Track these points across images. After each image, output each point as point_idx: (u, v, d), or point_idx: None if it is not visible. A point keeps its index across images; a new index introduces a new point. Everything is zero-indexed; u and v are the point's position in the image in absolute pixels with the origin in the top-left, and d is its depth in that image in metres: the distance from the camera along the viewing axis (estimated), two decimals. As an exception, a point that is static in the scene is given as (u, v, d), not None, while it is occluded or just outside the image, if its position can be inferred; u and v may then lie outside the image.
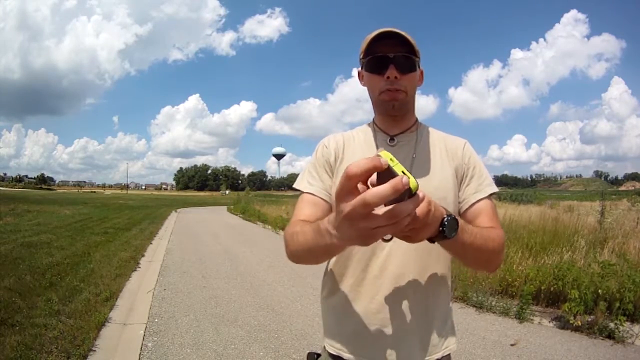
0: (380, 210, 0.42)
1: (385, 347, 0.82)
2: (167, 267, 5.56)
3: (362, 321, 0.83)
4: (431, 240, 0.61)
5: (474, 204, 0.86)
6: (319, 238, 0.60)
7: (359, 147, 0.91)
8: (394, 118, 0.89)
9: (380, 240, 0.53)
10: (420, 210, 0.50)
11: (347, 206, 0.44)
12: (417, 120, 0.93)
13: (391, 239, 0.61)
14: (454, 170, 0.87)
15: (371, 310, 0.83)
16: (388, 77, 0.81)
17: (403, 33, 0.79)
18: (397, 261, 0.82)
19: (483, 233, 0.73)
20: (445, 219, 0.58)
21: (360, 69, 0.89)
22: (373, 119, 0.94)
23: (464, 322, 3.45)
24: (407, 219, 0.43)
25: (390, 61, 0.80)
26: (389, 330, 0.82)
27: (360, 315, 0.84)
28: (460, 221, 0.63)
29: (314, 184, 0.88)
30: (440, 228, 0.58)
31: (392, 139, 0.89)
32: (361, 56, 0.85)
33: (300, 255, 0.75)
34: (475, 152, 0.92)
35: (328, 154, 0.91)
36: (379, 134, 0.90)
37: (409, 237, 0.55)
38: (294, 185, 0.93)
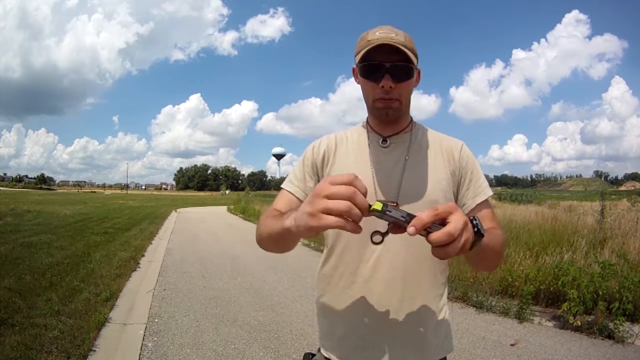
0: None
1: (374, 352, 0.81)
2: (167, 267, 5.56)
3: (352, 325, 0.83)
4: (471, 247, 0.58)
5: (474, 208, 0.85)
6: (281, 221, 0.66)
7: (352, 148, 0.90)
8: (387, 122, 0.88)
9: (370, 242, 0.60)
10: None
11: (320, 182, 0.57)
12: (412, 120, 0.91)
13: (381, 241, 0.59)
14: (449, 173, 0.86)
15: (361, 314, 0.82)
16: (383, 87, 0.79)
17: (399, 44, 0.75)
18: (387, 265, 0.81)
19: (493, 234, 0.75)
20: (473, 219, 0.58)
21: (355, 66, 0.86)
22: (367, 119, 0.93)
23: (464, 322, 3.45)
24: (349, 219, 0.53)
25: (386, 70, 0.77)
26: (378, 335, 0.81)
27: (350, 319, 0.83)
28: None
29: (296, 184, 0.91)
30: (475, 229, 0.57)
31: (384, 140, 0.87)
32: (356, 59, 0.81)
33: (263, 238, 0.79)
34: (472, 154, 0.89)
35: (317, 155, 0.91)
36: (372, 135, 0.89)
37: (455, 249, 0.53)
38: (281, 185, 0.95)
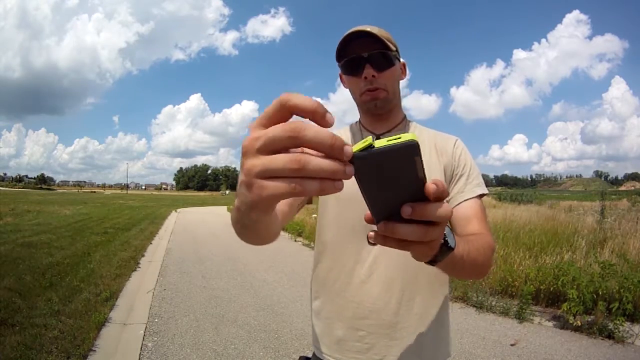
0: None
1: (372, 355, 0.79)
2: (167, 267, 5.55)
3: (349, 327, 0.81)
4: (433, 260, 0.47)
5: (459, 204, 0.79)
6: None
7: None
8: (379, 117, 0.87)
9: (367, 242, 0.50)
10: None
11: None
12: (404, 117, 0.90)
13: None
14: (442, 169, 0.83)
15: (358, 315, 0.80)
16: (366, 78, 0.79)
17: (373, 31, 0.77)
18: (385, 266, 0.79)
19: (473, 242, 0.63)
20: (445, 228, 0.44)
21: (340, 72, 0.87)
22: (359, 119, 0.92)
23: (464, 322, 3.45)
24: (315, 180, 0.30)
25: (366, 61, 0.78)
26: (376, 338, 0.79)
27: (347, 321, 0.81)
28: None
29: None
30: (442, 239, 0.45)
31: (377, 138, 0.85)
32: (337, 59, 0.82)
33: (233, 227, 0.53)
34: (467, 150, 0.87)
35: None
36: (365, 133, 0.88)
37: (410, 247, 0.40)
38: None
